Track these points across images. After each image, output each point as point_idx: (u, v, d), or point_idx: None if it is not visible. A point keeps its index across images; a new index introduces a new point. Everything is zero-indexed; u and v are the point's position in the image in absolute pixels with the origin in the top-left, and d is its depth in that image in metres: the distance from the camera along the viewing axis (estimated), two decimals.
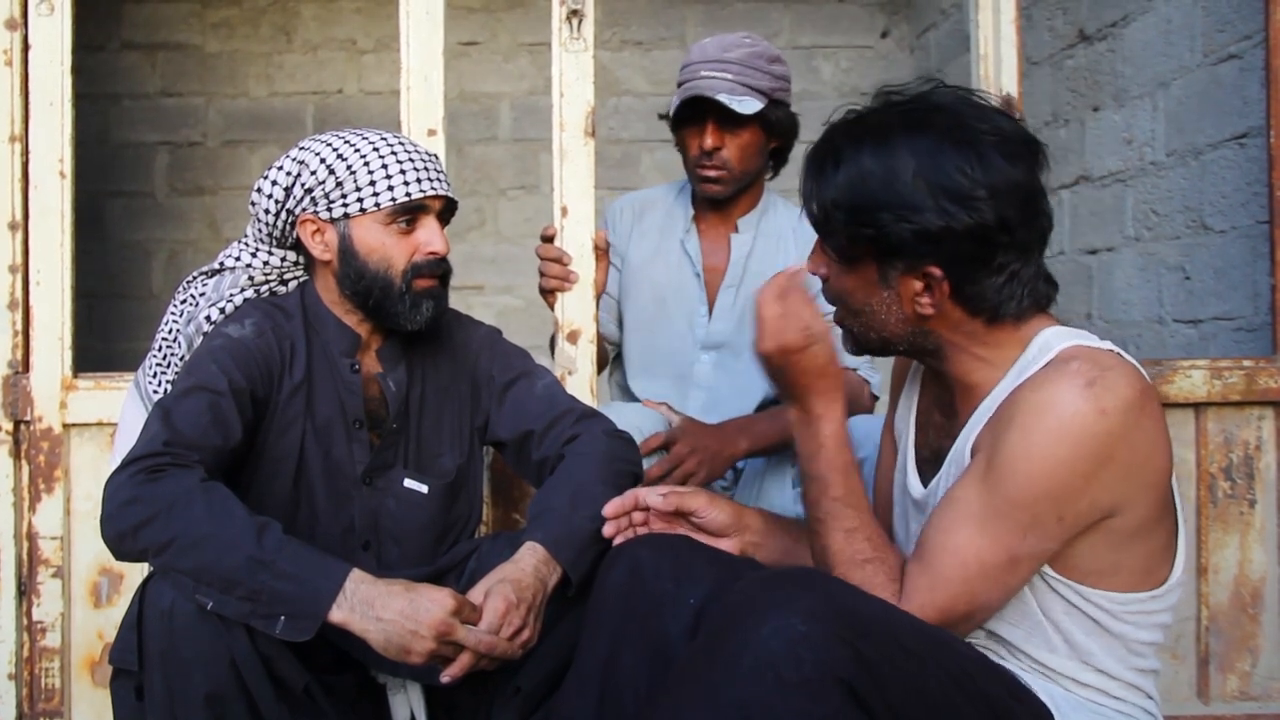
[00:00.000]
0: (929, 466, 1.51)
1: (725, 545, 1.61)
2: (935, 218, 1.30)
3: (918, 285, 1.36)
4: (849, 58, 4.82)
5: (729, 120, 2.29)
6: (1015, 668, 1.40)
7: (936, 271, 1.34)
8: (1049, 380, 1.30)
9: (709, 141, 2.31)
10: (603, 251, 2.25)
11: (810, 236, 2.46)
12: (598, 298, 2.25)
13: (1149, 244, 3.06)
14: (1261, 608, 2.29)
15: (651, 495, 1.61)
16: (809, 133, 5.18)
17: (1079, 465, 1.27)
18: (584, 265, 2.20)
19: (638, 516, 1.62)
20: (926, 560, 1.36)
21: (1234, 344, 2.67)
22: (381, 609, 1.42)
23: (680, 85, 2.35)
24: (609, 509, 1.61)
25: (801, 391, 1.46)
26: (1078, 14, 3.47)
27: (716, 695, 1.19)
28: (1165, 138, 2.98)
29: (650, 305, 2.44)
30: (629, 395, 2.47)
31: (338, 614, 1.41)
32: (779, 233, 2.48)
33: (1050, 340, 1.37)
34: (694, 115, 2.32)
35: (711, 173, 2.34)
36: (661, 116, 2.45)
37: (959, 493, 1.35)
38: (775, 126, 2.37)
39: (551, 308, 2.24)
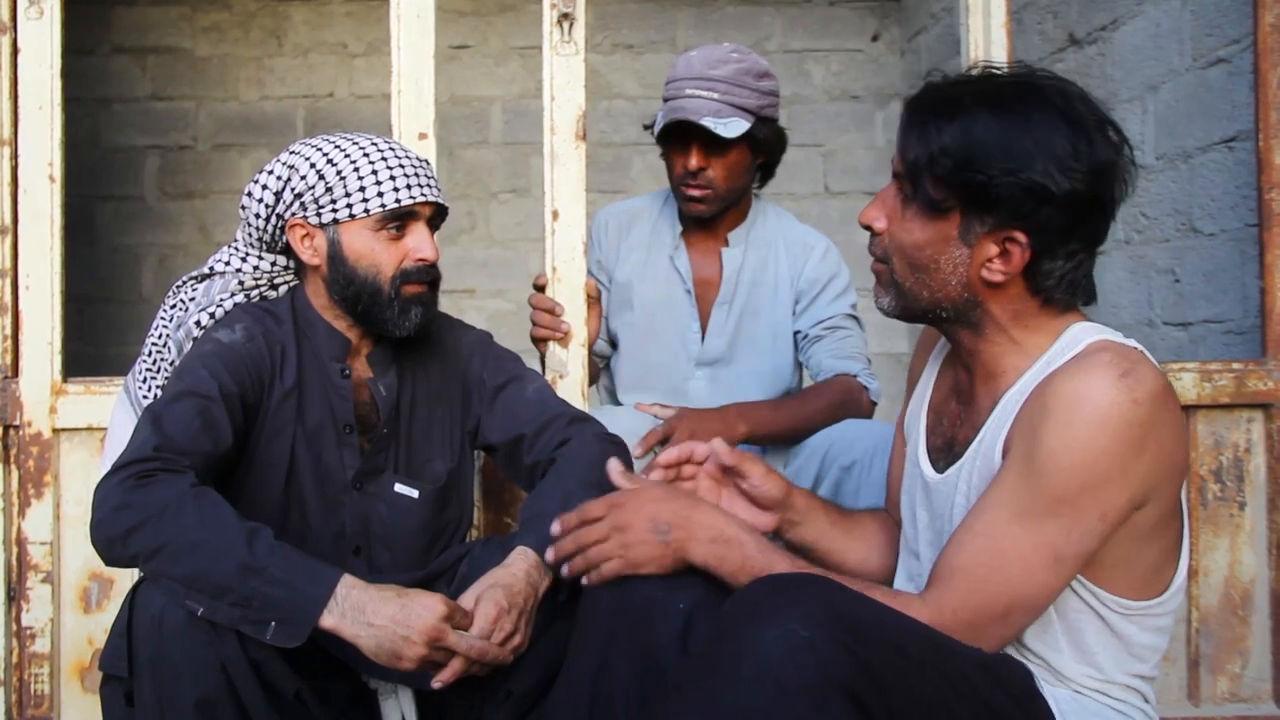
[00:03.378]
0: (941, 454, 1.52)
1: (763, 520, 1.61)
2: (1043, 179, 1.33)
3: (994, 249, 1.38)
4: (840, 61, 4.83)
5: (714, 141, 2.25)
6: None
7: (1022, 237, 1.36)
8: (1083, 371, 1.32)
9: (693, 163, 2.27)
10: (594, 300, 2.23)
11: (799, 244, 2.48)
12: (590, 343, 2.24)
13: (1139, 247, 3.07)
14: (1251, 610, 2.29)
15: (718, 444, 1.61)
16: (801, 136, 5.18)
17: (1117, 456, 1.29)
18: (574, 269, 2.20)
19: (688, 470, 1.63)
20: (963, 564, 1.35)
21: (1223, 347, 2.67)
22: (373, 615, 1.42)
23: (666, 101, 2.31)
24: (663, 459, 1.61)
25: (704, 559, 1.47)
26: (1068, 18, 3.48)
27: (717, 701, 1.19)
28: (1155, 141, 2.99)
29: (640, 322, 2.42)
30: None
31: (329, 620, 1.41)
32: (769, 241, 2.45)
33: (1079, 334, 1.40)
34: (679, 135, 2.29)
35: (696, 192, 2.31)
36: (645, 127, 2.42)
37: (997, 495, 1.35)
38: (763, 144, 2.33)
39: (542, 356, 2.22)
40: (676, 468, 1.63)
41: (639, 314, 2.42)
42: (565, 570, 1.50)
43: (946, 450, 1.51)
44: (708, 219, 2.39)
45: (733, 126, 2.22)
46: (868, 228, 1.48)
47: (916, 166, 1.40)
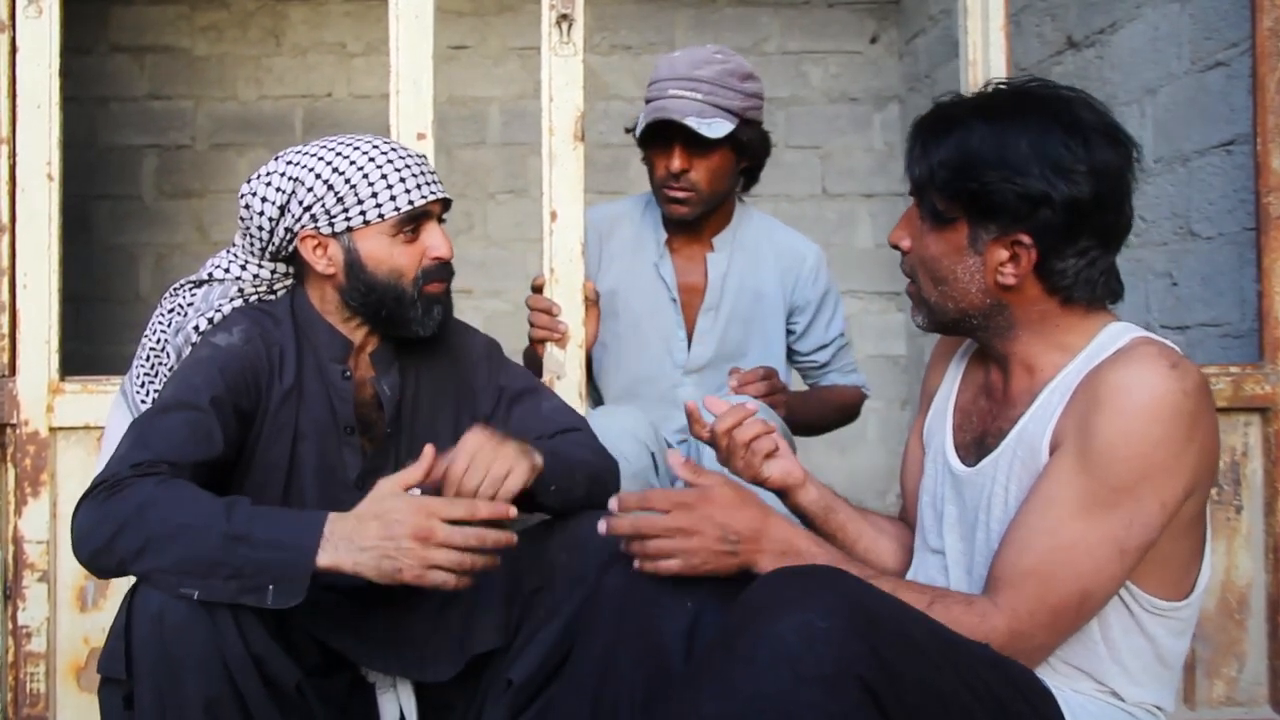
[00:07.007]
0: (971, 449, 1.54)
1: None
2: (1038, 183, 1.37)
3: (1004, 254, 1.42)
4: (838, 63, 4.83)
5: (697, 142, 2.23)
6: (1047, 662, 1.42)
7: (1026, 239, 1.40)
8: (1133, 362, 1.35)
9: (676, 164, 2.26)
10: (592, 303, 2.22)
11: (789, 252, 2.49)
12: (588, 345, 2.22)
13: (1136, 250, 3.07)
14: (1248, 614, 2.29)
15: (752, 403, 1.64)
16: (798, 138, 5.17)
17: (1172, 444, 1.32)
18: (573, 270, 2.20)
19: (747, 435, 1.64)
20: (1031, 564, 1.36)
21: (1221, 350, 2.68)
22: (361, 540, 1.40)
23: (648, 102, 2.29)
24: (720, 426, 1.63)
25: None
26: (1066, 21, 3.48)
27: (733, 688, 1.20)
28: (1153, 145, 2.99)
29: (626, 331, 2.41)
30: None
31: (325, 559, 1.39)
32: (755, 246, 2.45)
33: (1119, 332, 1.43)
34: (661, 136, 2.27)
35: (679, 194, 2.30)
36: (628, 130, 2.39)
37: (1054, 491, 1.36)
38: (746, 147, 2.32)
39: (540, 357, 2.21)
40: (733, 431, 1.64)
41: (624, 324, 2.41)
42: (623, 546, 1.47)
43: (978, 445, 1.53)
44: (691, 223, 2.38)
45: (716, 127, 2.21)
46: (896, 247, 1.53)
47: (921, 183, 1.45)
